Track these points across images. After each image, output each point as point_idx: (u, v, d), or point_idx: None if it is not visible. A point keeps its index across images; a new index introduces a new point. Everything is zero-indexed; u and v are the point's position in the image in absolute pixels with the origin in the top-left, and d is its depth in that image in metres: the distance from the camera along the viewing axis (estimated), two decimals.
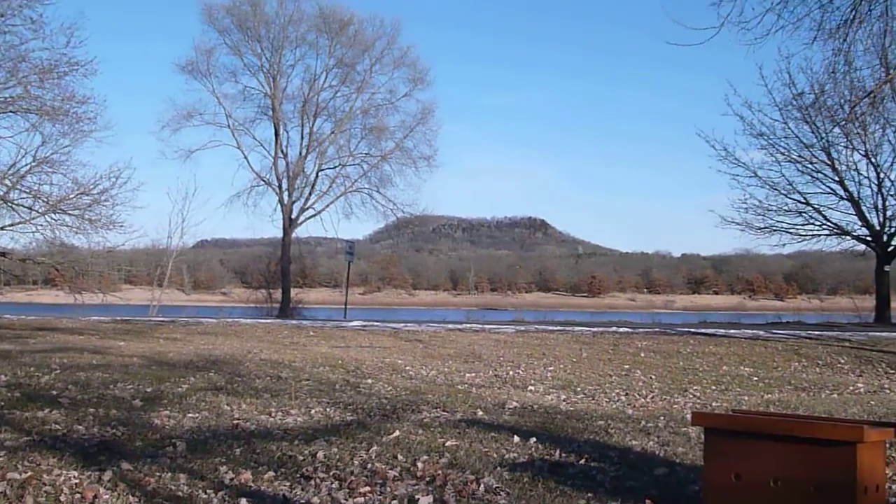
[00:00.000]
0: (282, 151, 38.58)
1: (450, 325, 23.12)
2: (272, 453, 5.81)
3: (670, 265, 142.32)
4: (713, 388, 12.40)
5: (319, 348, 16.13)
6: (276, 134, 38.37)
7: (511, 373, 13.47)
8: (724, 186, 40.32)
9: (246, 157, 38.45)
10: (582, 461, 5.76)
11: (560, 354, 16.13)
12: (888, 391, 12.21)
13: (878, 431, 3.85)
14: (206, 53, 37.73)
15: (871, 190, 28.26)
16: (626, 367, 14.59)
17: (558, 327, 22.44)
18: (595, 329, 21.32)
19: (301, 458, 5.69)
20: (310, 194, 39.00)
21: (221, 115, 38.02)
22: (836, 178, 28.22)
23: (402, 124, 39.57)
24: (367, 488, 4.95)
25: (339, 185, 39.52)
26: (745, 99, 32.82)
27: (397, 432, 6.67)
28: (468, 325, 23.11)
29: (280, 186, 38.29)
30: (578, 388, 11.89)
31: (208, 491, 4.83)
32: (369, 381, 11.14)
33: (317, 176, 39.18)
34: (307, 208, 38.89)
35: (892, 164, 27.78)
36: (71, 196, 24.98)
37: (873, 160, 27.86)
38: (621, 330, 21.13)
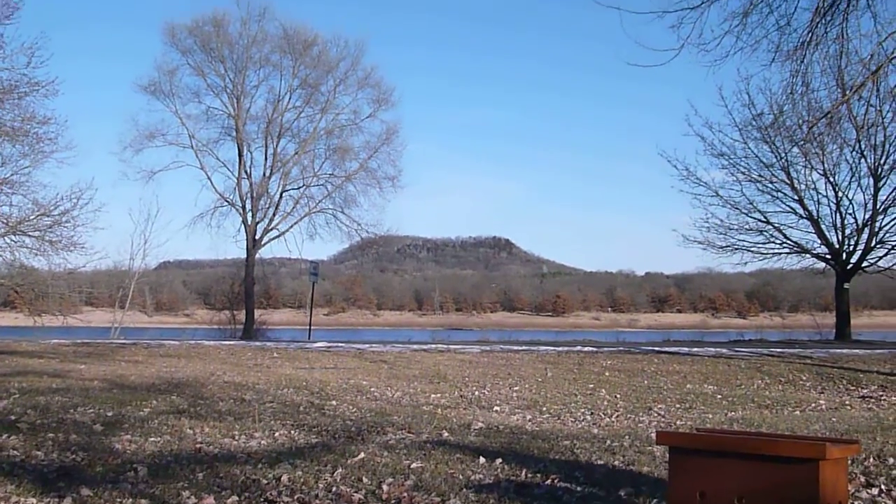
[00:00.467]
0: (245, 172, 38.41)
1: (415, 346, 23.06)
2: (235, 477, 5.75)
3: (634, 284, 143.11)
4: (677, 406, 12.47)
5: (283, 370, 16.01)
6: (240, 154, 38.18)
7: (476, 393, 13.46)
8: (686, 206, 40.54)
9: (209, 178, 38.16)
10: (548, 482, 5.76)
11: (525, 374, 16.15)
12: (849, 407, 12.36)
13: (839, 448, 3.90)
14: (168, 74, 37.51)
15: (830, 209, 28.80)
16: (591, 386, 14.64)
17: (523, 347, 22.48)
18: (560, 348, 21.38)
19: (265, 481, 5.63)
20: (274, 215, 38.84)
21: (184, 136, 37.77)
22: (796, 198, 28.67)
23: (366, 145, 39.61)
24: None
25: (303, 205, 39.38)
26: (706, 119, 33.09)
27: (362, 454, 6.62)
28: (433, 346, 23.06)
29: (244, 207, 38.06)
30: (544, 408, 11.90)
31: None
32: (334, 402, 11.08)
33: (281, 196, 39.03)
34: (271, 229, 38.71)
35: (849, 184, 28.33)
36: (31, 217, 24.64)
37: (831, 179, 28.38)
38: (586, 349, 21.20)
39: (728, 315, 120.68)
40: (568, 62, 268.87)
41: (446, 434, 8.21)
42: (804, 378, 15.69)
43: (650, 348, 22.04)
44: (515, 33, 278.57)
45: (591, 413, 11.57)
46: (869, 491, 5.27)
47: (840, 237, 28.76)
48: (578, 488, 5.51)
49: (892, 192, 27.62)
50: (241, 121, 37.98)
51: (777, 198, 29.02)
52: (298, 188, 39.54)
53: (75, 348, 20.45)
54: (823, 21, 10.32)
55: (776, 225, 29.28)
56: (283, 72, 38.78)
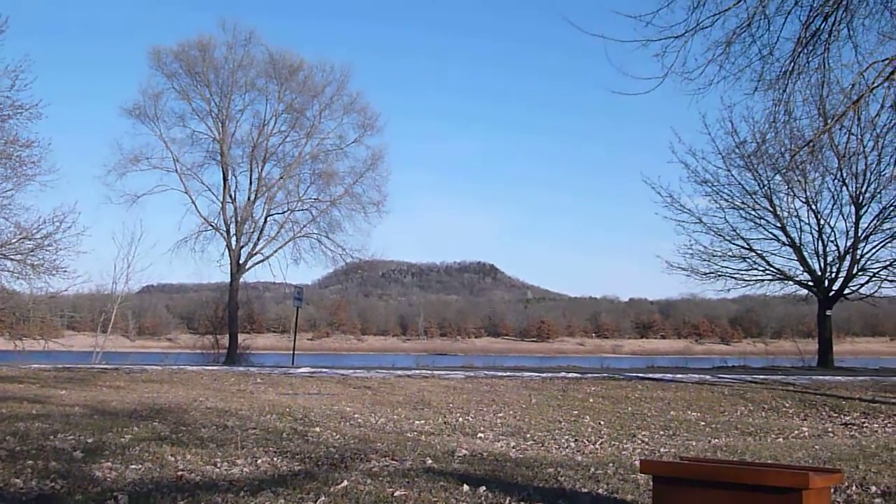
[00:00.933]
0: (230, 196, 38.33)
1: (399, 371, 22.99)
2: None
3: (618, 310, 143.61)
4: (661, 433, 12.47)
5: (267, 396, 15.92)
6: (225, 179, 38.14)
7: (461, 419, 13.41)
8: (670, 232, 40.58)
9: (193, 202, 38.08)
10: None
11: (510, 400, 16.12)
12: (832, 435, 12.39)
13: (823, 478, 3.91)
14: (153, 98, 37.50)
15: (812, 236, 29.00)
16: (576, 412, 14.62)
17: (508, 373, 22.45)
18: (544, 374, 21.35)
19: None
20: (258, 239, 38.78)
21: (169, 160, 37.70)
22: (778, 225, 28.87)
23: (351, 170, 39.68)
24: None
25: (287, 230, 39.35)
26: (690, 147, 33.19)
27: (345, 482, 6.58)
28: (417, 371, 23.00)
29: (228, 231, 37.96)
30: (528, 435, 11.87)
31: None
32: (317, 429, 11.01)
33: (265, 221, 38.98)
34: (255, 253, 38.62)
35: (831, 211, 28.56)
36: (13, 241, 24.54)
37: (813, 207, 28.58)
38: (570, 375, 21.19)
39: (712, 341, 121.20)
40: (550, 101, 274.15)
41: (430, 461, 8.17)
42: (787, 405, 15.72)
43: (634, 375, 22.05)
44: (497, 71, 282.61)
45: (576, 440, 11.55)
46: None
47: (822, 264, 28.96)
48: None
49: (874, 219, 27.92)
50: (226, 145, 37.97)
51: (760, 225, 29.26)
52: (283, 212, 39.56)
53: (56, 373, 20.28)
54: (805, 51, 10.45)
55: (759, 252, 29.48)
56: (269, 96, 38.91)
